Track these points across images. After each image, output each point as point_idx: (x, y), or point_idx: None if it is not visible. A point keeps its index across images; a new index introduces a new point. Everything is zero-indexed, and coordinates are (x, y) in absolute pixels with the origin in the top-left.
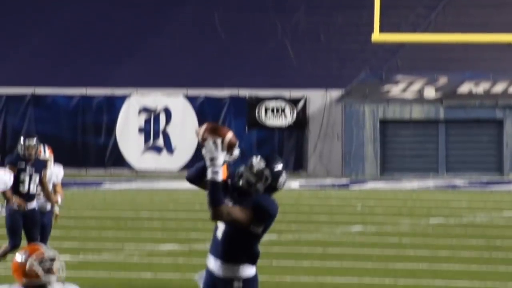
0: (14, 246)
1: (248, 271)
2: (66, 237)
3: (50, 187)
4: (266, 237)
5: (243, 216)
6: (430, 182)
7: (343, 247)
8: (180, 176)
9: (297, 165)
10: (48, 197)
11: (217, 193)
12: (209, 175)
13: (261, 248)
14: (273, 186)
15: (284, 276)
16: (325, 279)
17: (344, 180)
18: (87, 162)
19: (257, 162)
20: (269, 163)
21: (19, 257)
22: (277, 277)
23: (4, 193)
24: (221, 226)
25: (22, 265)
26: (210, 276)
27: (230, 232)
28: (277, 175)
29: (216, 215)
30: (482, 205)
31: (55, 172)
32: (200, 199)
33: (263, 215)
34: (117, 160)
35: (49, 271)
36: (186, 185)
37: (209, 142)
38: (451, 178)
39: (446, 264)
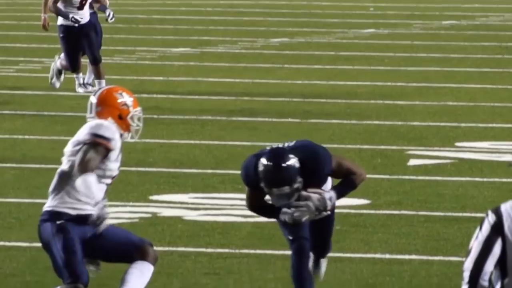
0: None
1: None
2: None
3: None
4: (278, 40)
5: (351, 165)
6: None
7: (355, 50)
8: None
9: None
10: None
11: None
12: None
13: (274, 51)
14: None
15: (295, 80)
16: (337, 82)
17: None
18: None
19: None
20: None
21: (123, 97)
22: (289, 81)
23: None
24: None
25: (124, 110)
26: None
27: None
28: (294, 168)
29: (363, 178)
30: (495, 6)
31: None
32: (212, 2)
33: (329, 161)
34: None
35: (136, 132)
36: None
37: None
38: None
39: (458, 67)
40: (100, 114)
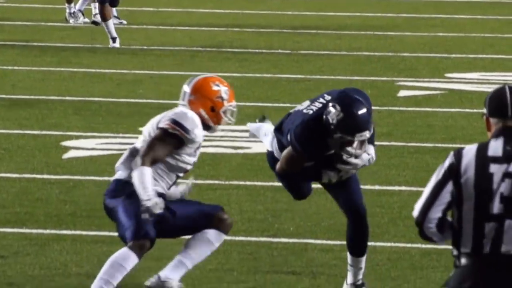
0: None
1: None
2: None
3: None
4: None
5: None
6: None
7: None
8: None
9: None
10: None
11: None
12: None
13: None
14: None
15: (285, 11)
16: (327, 13)
17: None
18: None
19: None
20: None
21: (219, 88)
22: (279, 12)
23: None
24: None
25: (218, 102)
26: None
27: None
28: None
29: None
30: None
31: None
32: None
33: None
34: None
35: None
36: None
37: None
38: None
39: None
40: (192, 104)
